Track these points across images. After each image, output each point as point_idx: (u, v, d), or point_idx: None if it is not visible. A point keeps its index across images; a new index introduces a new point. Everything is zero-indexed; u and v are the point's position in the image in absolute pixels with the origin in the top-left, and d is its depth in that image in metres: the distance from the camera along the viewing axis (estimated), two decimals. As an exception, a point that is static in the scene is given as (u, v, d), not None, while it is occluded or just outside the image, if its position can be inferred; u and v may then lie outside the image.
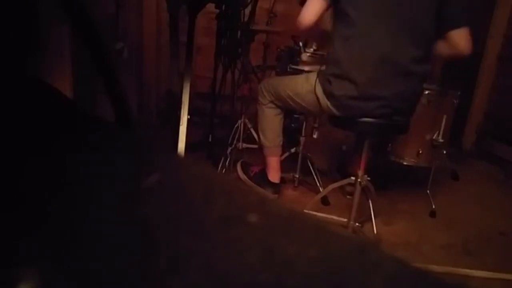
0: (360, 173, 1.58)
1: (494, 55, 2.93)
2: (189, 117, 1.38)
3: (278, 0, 2.74)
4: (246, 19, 2.21)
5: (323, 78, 1.57)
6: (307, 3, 1.51)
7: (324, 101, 1.57)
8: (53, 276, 0.19)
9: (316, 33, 1.69)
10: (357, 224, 1.66)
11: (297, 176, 2.12)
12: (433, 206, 1.95)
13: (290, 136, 2.20)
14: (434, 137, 1.97)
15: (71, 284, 0.19)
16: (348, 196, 2.02)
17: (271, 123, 1.88)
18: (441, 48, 1.54)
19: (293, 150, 2.11)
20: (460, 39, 1.49)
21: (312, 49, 2.12)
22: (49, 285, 0.19)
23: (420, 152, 1.99)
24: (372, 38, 1.43)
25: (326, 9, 1.50)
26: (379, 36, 1.43)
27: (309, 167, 2.11)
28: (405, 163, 2.05)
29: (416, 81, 1.50)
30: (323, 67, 1.64)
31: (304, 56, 2.05)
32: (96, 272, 0.20)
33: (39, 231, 0.23)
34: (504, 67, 2.88)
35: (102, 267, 0.20)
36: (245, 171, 2.04)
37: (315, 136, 2.12)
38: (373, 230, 1.66)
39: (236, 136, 2.39)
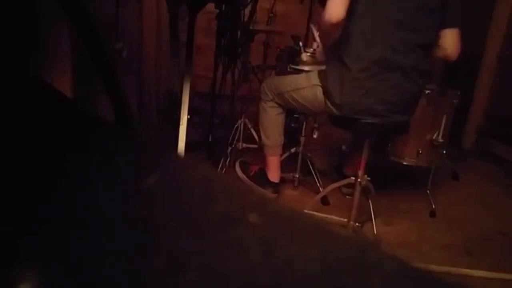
0: (360, 173, 1.58)
1: (494, 55, 2.92)
2: (189, 117, 1.37)
3: (278, 0, 2.74)
4: (246, 19, 2.21)
5: (324, 77, 1.57)
6: None
7: (325, 100, 1.57)
8: (53, 276, 0.19)
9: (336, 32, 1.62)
10: (357, 224, 1.66)
11: (297, 176, 2.12)
12: (433, 206, 1.95)
13: (290, 136, 2.20)
14: (434, 137, 1.97)
15: (71, 284, 0.19)
16: (347, 196, 2.02)
17: (273, 122, 1.88)
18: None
19: (293, 150, 2.11)
20: (449, 42, 1.50)
21: (312, 49, 2.12)
22: (49, 285, 0.19)
23: (420, 152, 1.99)
24: (376, 34, 1.42)
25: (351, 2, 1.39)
26: (383, 32, 1.42)
27: (309, 167, 2.10)
28: (405, 163, 2.05)
29: (417, 79, 1.50)
30: (324, 67, 1.64)
31: (304, 56, 2.05)
32: (96, 272, 0.20)
33: (39, 231, 0.23)
34: (504, 67, 2.88)
35: (102, 267, 0.20)
36: (244, 171, 2.04)
37: (315, 136, 2.12)
38: (373, 230, 1.66)
39: (236, 136, 2.39)
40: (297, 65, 2.03)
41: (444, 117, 1.94)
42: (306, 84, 1.65)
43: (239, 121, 2.40)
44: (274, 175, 1.95)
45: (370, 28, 1.42)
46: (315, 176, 2.08)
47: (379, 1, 1.40)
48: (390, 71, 1.44)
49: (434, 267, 1.48)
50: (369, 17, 1.41)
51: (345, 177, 1.73)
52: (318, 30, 1.94)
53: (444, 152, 2.09)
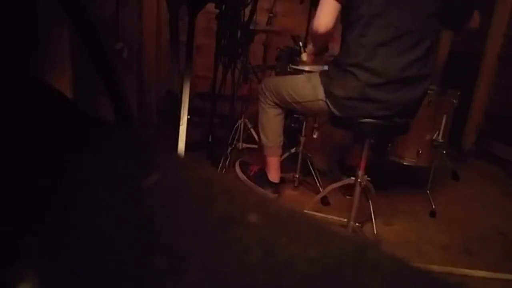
0: (360, 173, 1.58)
1: (494, 55, 2.92)
2: (189, 117, 1.37)
3: (278, 0, 2.74)
4: (246, 19, 2.21)
5: (325, 79, 1.57)
6: (320, 6, 1.46)
7: (325, 101, 1.57)
8: (53, 276, 0.19)
9: (325, 40, 1.68)
10: (357, 224, 1.66)
11: (297, 176, 2.12)
12: (433, 206, 1.95)
13: (290, 136, 2.20)
14: (434, 137, 1.97)
15: (71, 284, 0.19)
16: (347, 196, 2.02)
17: (272, 123, 1.88)
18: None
19: (293, 150, 2.11)
20: (475, 22, 1.57)
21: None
22: (49, 285, 0.19)
23: (420, 152, 1.99)
24: (382, 44, 1.41)
25: (340, 10, 1.44)
26: (388, 43, 1.41)
27: (309, 167, 2.10)
28: (405, 163, 2.05)
29: (420, 86, 1.50)
30: (326, 67, 1.64)
31: (304, 56, 2.05)
32: (96, 272, 0.20)
33: (39, 231, 0.23)
34: (504, 67, 2.88)
35: (102, 267, 0.20)
36: (243, 171, 2.04)
37: (315, 136, 2.12)
38: (373, 230, 1.66)
39: (236, 136, 2.39)
40: (297, 65, 2.03)
41: (444, 117, 1.94)
42: (307, 85, 1.64)
43: (239, 121, 2.40)
44: (274, 175, 1.95)
45: (375, 39, 1.41)
46: (315, 176, 2.08)
47: (387, 10, 1.38)
48: (393, 81, 1.45)
49: (434, 267, 1.48)
50: (375, 27, 1.40)
51: (348, 168, 1.72)
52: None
53: (444, 152, 2.09)
